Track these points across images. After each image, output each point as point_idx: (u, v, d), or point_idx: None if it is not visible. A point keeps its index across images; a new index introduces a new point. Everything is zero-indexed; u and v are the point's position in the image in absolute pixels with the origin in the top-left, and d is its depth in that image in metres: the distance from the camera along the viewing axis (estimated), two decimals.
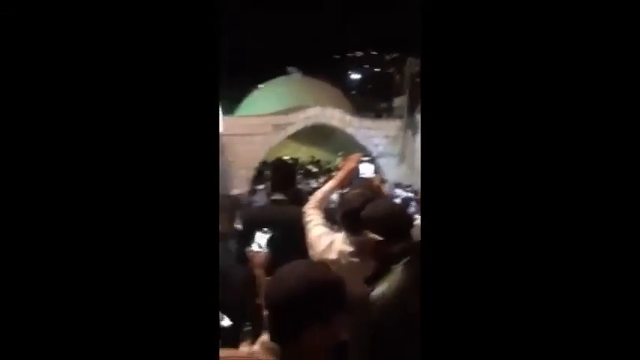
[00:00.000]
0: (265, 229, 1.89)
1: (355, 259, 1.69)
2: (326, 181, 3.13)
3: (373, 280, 1.42)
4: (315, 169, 9.50)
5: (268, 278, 1.07)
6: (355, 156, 2.26)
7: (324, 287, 0.94)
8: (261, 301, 1.54)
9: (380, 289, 1.36)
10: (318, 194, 2.12)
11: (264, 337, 1.19)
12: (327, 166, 9.86)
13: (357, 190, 1.85)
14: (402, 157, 9.31)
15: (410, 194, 5.89)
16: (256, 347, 0.99)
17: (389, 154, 9.27)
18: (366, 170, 2.12)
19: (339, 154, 9.95)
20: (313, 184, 6.92)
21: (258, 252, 1.83)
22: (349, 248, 1.74)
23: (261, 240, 1.85)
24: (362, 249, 1.74)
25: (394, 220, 1.50)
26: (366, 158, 2.17)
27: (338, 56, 24.43)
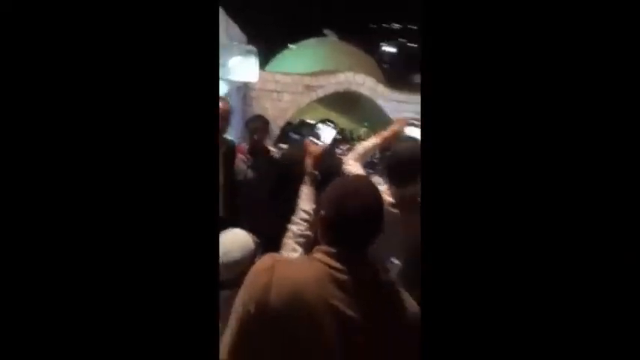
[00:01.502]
0: (332, 124, 1.81)
1: (395, 211, 1.69)
2: (348, 150, 3.14)
3: None
4: (338, 137, 9.41)
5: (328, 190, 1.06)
6: (404, 119, 2.24)
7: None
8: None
9: None
10: (360, 148, 2.11)
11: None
12: (351, 136, 9.78)
13: (407, 143, 1.84)
14: None
15: None
16: (311, 254, 1.00)
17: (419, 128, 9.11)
18: (413, 134, 2.10)
19: (365, 124, 9.83)
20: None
21: (317, 144, 1.71)
22: (390, 199, 1.74)
23: (324, 133, 1.75)
24: (403, 202, 1.75)
25: None
26: (416, 122, 2.13)
27: (374, 26, 23.72)
